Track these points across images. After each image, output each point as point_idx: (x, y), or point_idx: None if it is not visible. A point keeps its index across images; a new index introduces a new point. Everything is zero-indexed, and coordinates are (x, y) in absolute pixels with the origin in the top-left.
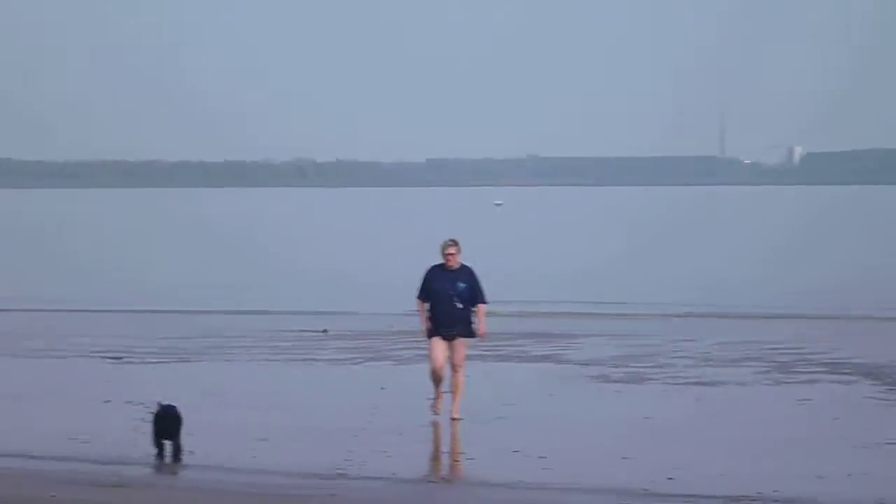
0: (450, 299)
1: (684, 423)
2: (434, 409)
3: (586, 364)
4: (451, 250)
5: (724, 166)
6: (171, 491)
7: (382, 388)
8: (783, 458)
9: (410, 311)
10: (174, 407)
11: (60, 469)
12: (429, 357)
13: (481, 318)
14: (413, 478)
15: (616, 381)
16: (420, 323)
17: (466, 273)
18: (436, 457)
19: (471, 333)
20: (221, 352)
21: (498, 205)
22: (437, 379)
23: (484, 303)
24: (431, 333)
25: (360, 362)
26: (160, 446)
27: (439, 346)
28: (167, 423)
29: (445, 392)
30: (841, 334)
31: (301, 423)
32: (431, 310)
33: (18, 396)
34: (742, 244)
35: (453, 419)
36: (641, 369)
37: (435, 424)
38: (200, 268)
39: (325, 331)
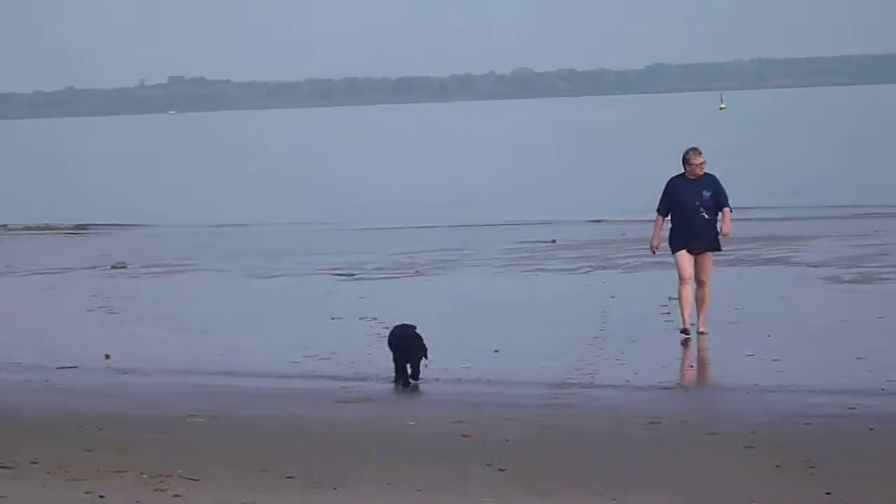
0: (696, 211)
1: None
2: (683, 326)
3: (817, 265)
4: (699, 160)
5: None
6: (415, 405)
7: (612, 297)
8: None
9: (641, 219)
10: (413, 327)
11: (300, 387)
12: (678, 270)
13: (726, 220)
14: (647, 385)
15: (848, 282)
16: (653, 238)
17: (710, 181)
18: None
19: (718, 246)
20: (450, 265)
21: (722, 109)
22: (684, 297)
23: (728, 207)
24: (677, 247)
25: (589, 271)
26: (401, 369)
27: (687, 260)
28: (408, 343)
29: (692, 327)
30: None
31: (532, 333)
32: (675, 223)
33: (254, 315)
34: None
35: (700, 333)
36: (873, 269)
37: (684, 339)
38: (413, 185)
39: (553, 241)
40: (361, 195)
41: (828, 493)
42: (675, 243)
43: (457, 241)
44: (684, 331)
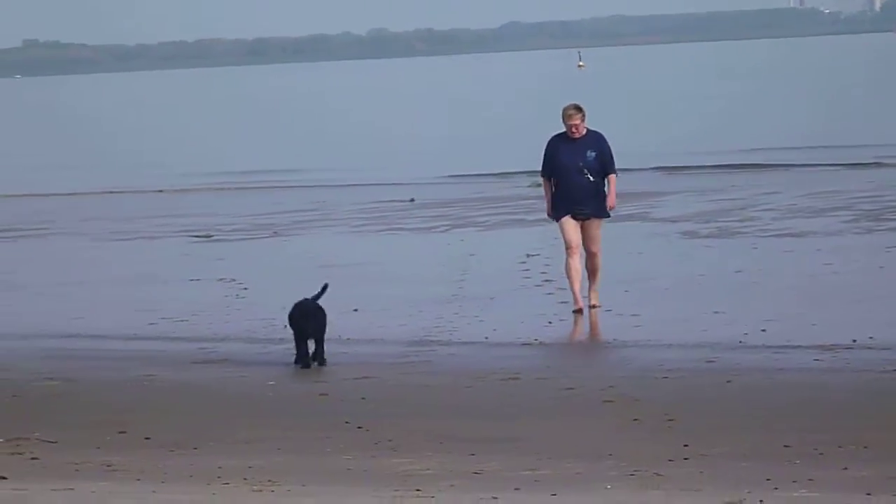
0: (579, 172)
1: (775, 276)
2: (577, 305)
3: (674, 220)
4: (575, 119)
5: (803, 17)
6: (274, 366)
7: (471, 255)
8: (876, 305)
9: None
10: (315, 301)
11: (158, 349)
12: (563, 238)
13: (611, 190)
14: (505, 341)
15: (705, 237)
16: (547, 204)
17: (595, 140)
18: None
19: (604, 212)
20: (308, 226)
21: (581, 66)
22: (573, 269)
23: (614, 173)
24: (560, 214)
25: (448, 230)
26: (302, 349)
27: (571, 227)
28: (308, 319)
29: (583, 301)
30: None
31: (391, 292)
32: (558, 187)
33: (110, 278)
34: (822, 92)
35: (592, 306)
36: (730, 223)
37: (577, 315)
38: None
39: (411, 200)
40: (212, 156)
41: (685, 446)
42: (559, 209)
43: (313, 201)
44: (578, 310)
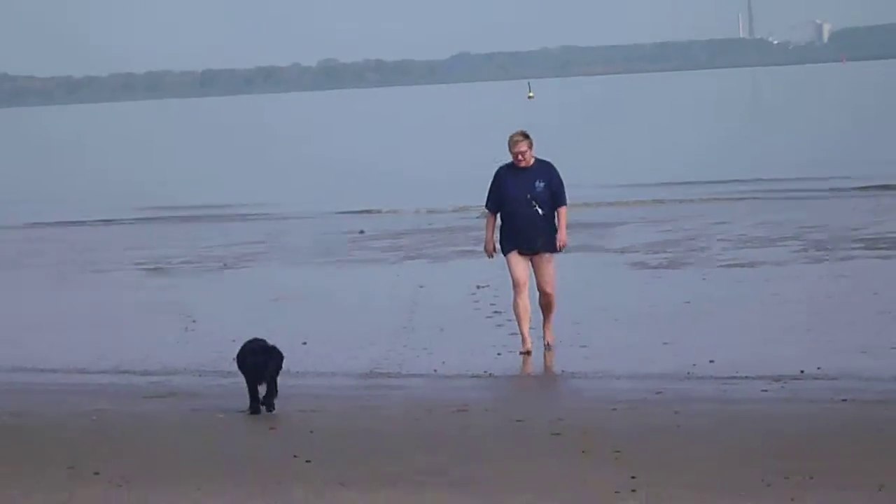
0: (528, 204)
1: (724, 306)
2: (524, 347)
3: (623, 251)
4: (521, 146)
5: (752, 47)
6: (223, 398)
7: (421, 287)
8: (824, 335)
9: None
10: (264, 341)
11: (107, 382)
12: (511, 275)
13: (562, 224)
14: (455, 373)
15: (654, 267)
16: (487, 240)
17: (544, 170)
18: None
19: (555, 247)
20: (257, 257)
21: (531, 97)
22: (521, 307)
23: (564, 204)
24: (507, 249)
25: (398, 261)
26: (253, 392)
27: (520, 263)
28: (258, 361)
29: (537, 339)
30: (878, 210)
31: (340, 324)
32: (505, 220)
33: (58, 312)
34: (775, 121)
35: (547, 345)
36: (679, 254)
37: (525, 356)
38: (229, 176)
39: (361, 231)
40: (157, 187)
41: (633, 478)
42: (507, 244)
43: (263, 232)
44: (526, 352)
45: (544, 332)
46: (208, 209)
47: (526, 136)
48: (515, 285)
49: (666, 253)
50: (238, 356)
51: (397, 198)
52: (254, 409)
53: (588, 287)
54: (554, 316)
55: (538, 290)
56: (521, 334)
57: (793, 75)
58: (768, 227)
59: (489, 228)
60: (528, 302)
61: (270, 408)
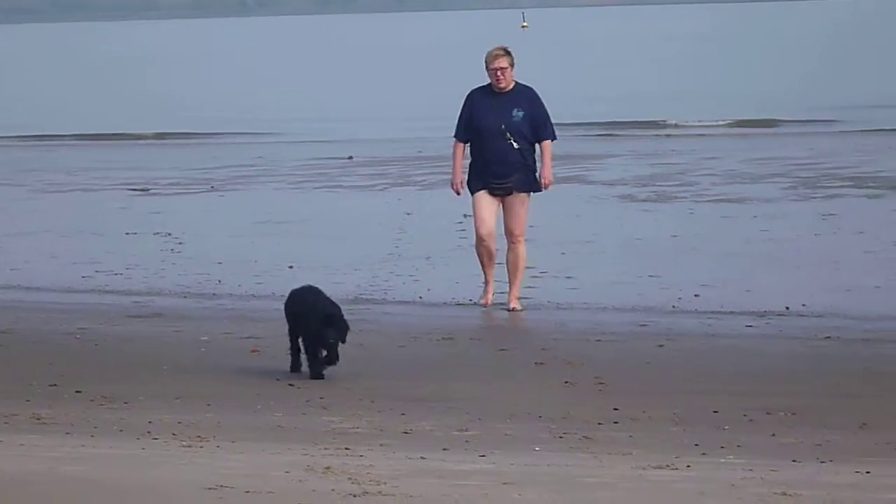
0: (501, 136)
1: (711, 241)
2: (484, 299)
3: (612, 184)
4: (501, 62)
5: None
6: (207, 321)
7: (408, 214)
8: (810, 272)
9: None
10: (320, 292)
11: (92, 302)
12: (474, 220)
13: (546, 160)
14: (440, 301)
15: (643, 201)
16: (454, 173)
17: (525, 96)
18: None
19: (532, 186)
20: (245, 181)
21: (524, 27)
22: (485, 253)
23: (551, 139)
24: (475, 187)
25: (386, 188)
26: (295, 348)
27: (487, 205)
28: (316, 318)
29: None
30: (868, 148)
31: (327, 250)
32: (475, 153)
33: (45, 230)
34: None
35: (512, 310)
36: (668, 188)
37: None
38: (216, 98)
39: (350, 157)
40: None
41: (615, 409)
42: (474, 181)
43: (251, 157)
44: (485, 304)
45: (509, 296)
46: (198, 128)
47: (507, 53)
48: (476, 232)
49: (654, 186)
50: (286, 303)
51: (386, 125)
52: (295, 365)
53: (575, 219)
54: (521, 276)
55: (505, 232)
56: (485, 278)
57: (798, 10)
58: (757, 164)
59: (456, 161)
60: (492, 250)
61: (319, 375)
